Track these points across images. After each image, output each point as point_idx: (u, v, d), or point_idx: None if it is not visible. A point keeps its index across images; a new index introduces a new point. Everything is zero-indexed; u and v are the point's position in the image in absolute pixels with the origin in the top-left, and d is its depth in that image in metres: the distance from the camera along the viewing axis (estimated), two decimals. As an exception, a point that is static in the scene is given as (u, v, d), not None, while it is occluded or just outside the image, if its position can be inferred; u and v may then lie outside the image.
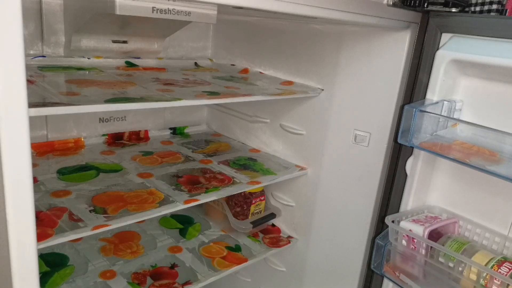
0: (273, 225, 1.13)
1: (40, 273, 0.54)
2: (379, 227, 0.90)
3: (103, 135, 1.09)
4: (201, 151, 1.09)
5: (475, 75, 0.77)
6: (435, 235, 0.72)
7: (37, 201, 0.71)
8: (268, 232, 1.10)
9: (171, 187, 0.84)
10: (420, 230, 0.70)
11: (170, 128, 1.22)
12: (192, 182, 0.88)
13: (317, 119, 0.97)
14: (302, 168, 1.02)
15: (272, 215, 1.10)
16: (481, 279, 0.61)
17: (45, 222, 0.66)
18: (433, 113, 0.71)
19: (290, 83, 1.01)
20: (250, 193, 1.05)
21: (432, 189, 0.85)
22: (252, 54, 1.11)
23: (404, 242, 0.72)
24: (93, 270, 0.87)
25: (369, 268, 0.89)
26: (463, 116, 0.78)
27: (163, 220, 1.10)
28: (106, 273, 0.86)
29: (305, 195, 1.03)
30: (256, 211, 1.07)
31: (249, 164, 1.03)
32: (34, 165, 0.56)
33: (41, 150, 0.98)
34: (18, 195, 0.50)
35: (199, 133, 1.26)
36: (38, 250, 0.55)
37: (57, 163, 0.92)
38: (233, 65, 1.17)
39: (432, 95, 0.78)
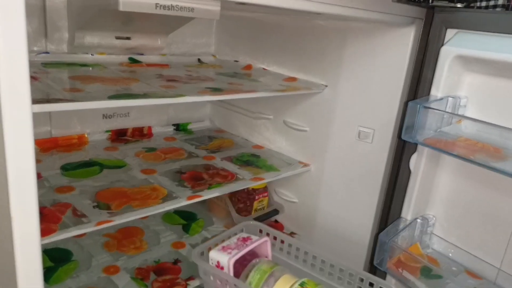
0: (276, 221, 1.13)
1: (44, 268, 0.55)
2: (382, 223, 0.90)
3: (107, 131, 1.09)
4: (204, 148, 1.09)
5: (480, 71, 0.76)
6: (246, 259, 0.67)
7: (41, 197, 0.71)
8: (271, 228, 1.10)
9: (174, 183, 0.84)
10: (225, 261, 0.64)
11: (174, 125, 1.22)
12: (195, 178, 0.88)
13: (321, 115, 0.97)
14: (305, 165, 1.01)
15: (275, 211, 1.10)
16: None
17: (49, 218, 0.67)
18: (437, 109, 0.71)
19: (293, 79, 1.00)
20: (253, 190, 1.05)
21: (436, 186, 0.84)
22: (256, 50, 1.11)
23: (211, 277, 0.65)
24: (96, 265, 0.87)
25: (372, 264, 0.89)
26: (467, 113, 0.77)
27: (166, 216, 1.10)
28: (109, 268, 0.86)
29: (308, 191, 1.03)
30: (259, 207, 1.08)
31: (252, 160, 1.03)
32: (37, 161, 0.56)
33: (44, 146, 0.98)
34: (22, 190, 0.51)
35: (202, 130, 1.26)
36: (42, 245, 0.55)
37: (61, 159, 0.92)
38: (237, 61, 1.16)
39: (437, 91, 0.77)
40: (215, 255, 0.68)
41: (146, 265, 0.88)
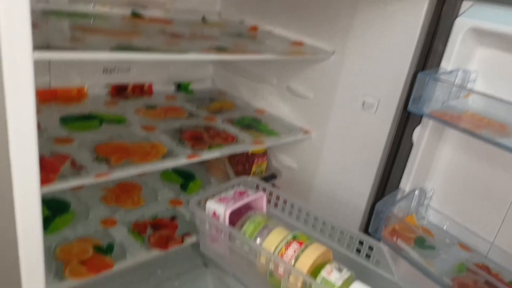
0: (273, 185, 1.13)
1: (42, 217, 0.55)
2: (379, 193, 0.91)
3: (107, 85, 1.07)
4: (205, 108, 1.08)
5: (493, 46, 0.74)
6: (241, 212, 0.69)
7: (40, 147, 0.70)
8: (268, 192, 1.11)
9: (174, 142, 0.84)
10: (221, 211, 0.66)
11: (175, 83, 1.20)
12: (196, 138, 0.88)
13: (326, 83, 0.95)
14: (306, 132, 1.01)
15: (273, 176, 1.11)
16: (270, 263, 0.61)
17: (47, 168, 0.66)
18: (446, 82, 0.70)
19: (300, 44, 0.98)
20: (253, 153, 1.05)
21: (437, 159, 0.85)
22: (262, 11, 1.08)
23: (207, 226, 0.68)
24: (94, 218, 0.88)
25: (366, 232, 0.91)
26: (476, 87, 0.76)
27: (165, 174, 1.10)
28: (107, 221, 0.87)
29: (307, 158, 1.03)
30: (257, 171, 1.08)
31: (253, 124, 1.02)
32: (37, 111, 0.55)
33: (43, 97, 0.97)
34: (22, 138, 0.50)
35: (204, 90, 1.24)
36: (41, 195, 0.55)
37: (60, 111, 0.91)
38: (242, 22, 1.13)
39: (447, 64, 0.76)
40: (212, 205, 0.69)
41: (143, 220, 0.89)
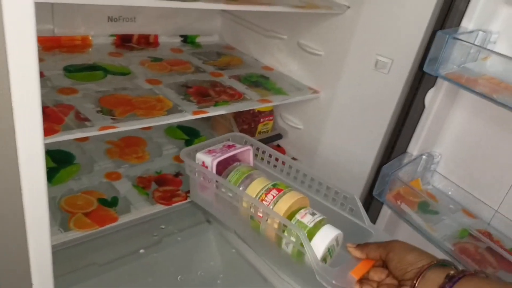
0: (278, 145, 1.13)
1: (46, 168, 0.54)
2: (386, 156, 0.90)
3: (111, 35, 1.04)
4: (212, 63, 1.05)
5: (519, 5, 0.70)
6: (229, 164, 0.74)
7: (43, 96, 0.69)
8: (273, 151, 1.10)
9: (180, 97, 0.82)
10: (209, 161, 0.71)
11: (181, 36, 1.17)
12: (202, 94, 0.86)
13: (338, 39, 0.92)
14: (315, 91, 0.98)
15: (279, 136, 1.10)
16: (251, 208, 0.66)
17: (51, 118, 0.65)
18: (466, 42, 0.66)
19: (313, -3, 0.93)
20: (259, 112, 1.04)
21: (448, 124, 0.83)
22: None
23: (196, 174, 0.73)
24: (99, 171, 0.88)
25: (370, 194, 0.91)
26: (496, 50, 0.73)
27: (169, 130, 1.09)
28: (111, 174, 0.87)
29: (314, 119, 1.01)
30: (263, 130, 1.06)
31: (261, 81, 0.99)
32: (40, 59, 0.53)
33: (47, 45, 0.94)
34: (24, 86, 0.48)
35: (211, 44, 1.21)
36: (45, 145, 0.54)
37: (64, 60, 0.89)
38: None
39: (468, 23, 0.72)
40: (201, 156, 0.73)
41: (147, 175, 0.89)
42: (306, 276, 0.59)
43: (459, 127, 0.82)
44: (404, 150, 0.85)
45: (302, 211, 0.64)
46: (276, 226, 0.63)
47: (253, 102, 0.88)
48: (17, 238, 0.56)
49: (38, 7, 0.45)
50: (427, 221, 0.76)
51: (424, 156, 0.83)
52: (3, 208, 0.54)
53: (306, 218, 0.62)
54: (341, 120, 0.95)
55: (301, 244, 0.59)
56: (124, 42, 1.06)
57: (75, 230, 0.71)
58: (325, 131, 0.99)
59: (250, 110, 1.02)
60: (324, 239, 0.60)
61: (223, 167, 0.73)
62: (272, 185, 0.68)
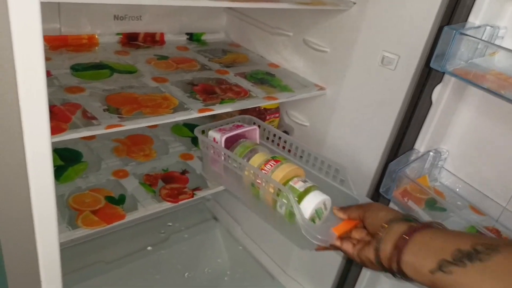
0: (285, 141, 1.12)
1: (54, 166, 0.55)
2: (393, 153, 0.89)
3: (118, 34, 1.04)
4: (217, 61, 1.05)
5: (527, 0, 0.69)
6: (236, 140, 0.84)
7: (50, 95, 0.70)
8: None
9: (186, 95, 0.82)
10: (219, 137, 0.81)
11: (187, 34, 1.17)
12: (207, 92, 0.86)
13: (344, 36, 0.91)
14: (321, 88, 0.98)
15: (285, 133, 1.09)
16: (252, 175, 0.75)
17: (59, 117, 0.66)
18: (474, 37, 0.66)
19: (319, -7, 0.93)
20: (265, 109, 1.03)
21: (455, 120, 0.82)
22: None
23: (211, 150, 0.83)
24: (106, 169, 0.88)
25: (377, 191, 0.90)
26: (504, 45, 0.72)
27: (175, 128, 1.10)
28: (118, 172, 0.88)
29: (321, 116, 1.01)
30: (269, 127, 1.06)
31: (266, 78, 0.99)
32: (47, 58, 0.53)
33: (54, 44, 0.95)
34: (31, 85, 0.49)
35: (217, 42, 1.21)
36: (52, 144, 0.54)
37: (71, 59, 0.89)
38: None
39: (475, 18, 0.71)
40: (212, 133, 0.83)
41: (154, 173, 0.90)
42: (297, 235, 0.66)
43: (466, 123, 0.81)
44: (411, 147, 0.85)
45: (295, 179, 0.72)
46: (271, 190, 0.71)
47: (259, 99, 0.88)
48: (25, 236, 0.57)
49: (45, 6, 0.46)
50: (434, 218, 0.75)
51: (431, 153, 0.83)
52: (12, 206, 0.54)
53: (298, 184, 0.70)
54: (347, 117, 0.95)
55: (291, 206, 0.67)
56: (130, 40, 1.06)
57: (83, 228, 0.71)
58: (331, 128, 0.99)
59: (256, 107, 1.01)
60: (312, 201, 0.68)
61: (231, 143, 0.83)
62: (272, 157, 0.76)
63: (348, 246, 0.63)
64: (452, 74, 0.68)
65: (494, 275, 0.45)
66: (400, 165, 0.78)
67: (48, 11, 0.93)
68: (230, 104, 0.82)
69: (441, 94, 0.78)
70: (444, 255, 0.49)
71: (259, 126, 0.90)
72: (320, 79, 0.99)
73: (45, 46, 0.48)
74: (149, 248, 1.22)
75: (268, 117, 1.04)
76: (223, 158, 0.80)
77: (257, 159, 0.76)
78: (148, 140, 1.02)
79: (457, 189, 0.83)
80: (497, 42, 0.72)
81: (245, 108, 0.86)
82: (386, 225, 0.57)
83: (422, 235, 0.53)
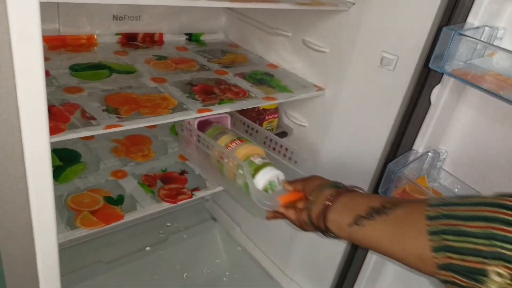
0: (283, 143, 1.12)
1: (53, 166, 0.55)
2: (391, 153, 0.89)
3: (117, 34, 1.04)
4: (217, 61, 1.05)
5: (525, 1, 0.69)
6: (207, 124, 0.91)
7: (49, 95, 0.69)
8: (278, 149, 1.10)
9: (185, 95, 0.82)
10: (192, 120, 0.88)
11: (186, 34, 1.17)
12: (206, 92, 0.86)
13: (343, 36, 0.91)
14: (320, 89, 0.98)
15: (284, 134, 1.09)
16: (217, 153, 0.83)
17: (57, 117, 0.66)
18: (473, 38, 0.66)
19: (318, -6, 0.93)
20: (264, 109, 1.03)
21: (454, 121, 0.82)
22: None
23: (186, 131, 0.90)
24: (104, 169, 0.88)
25: (376, 191, 0.90)
26: (503, 46, 0.72)
27: (174, 128, 1.09)
28: (117, 172, 0.88)
29: (320, 116, 1.01)
30: (268, 128, 1.06)
31: (265, 79, 0.99)
32: (46, 58, 0.53)
33: (53, 44, 0.95)
34: (30, 85, 0.49)
35: (216, 42, 1.21)
36: (51, 144, 0.54)
37: (70, 59, 0.89)
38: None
39: (474, 19, 0.71)
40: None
41: (153, 173, 0.90)
42: (251, 204, 0.75)
43: (465, 124, 0.81)
44: (410, 147, 0.85)
45: (256, 156, 0.80)
46: (231, 164, 0.79)
47: (258, 99, 0.88)
48: (24, 236, 0.56)
49: (44, 6, 0.46)
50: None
51: (430, 153, 0.83)
52: (10, 206, 0.54)
53: (257, 160, 0.79)
54: (347, 117, 0.95)
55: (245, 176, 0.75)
56: (129, 40, 1.06)
57: (82, 228, 0.71)
58: (330, 128, 0.99)
59: (255, 108, 1.02)
60: (266, 173, 0.76)
61: (204, 127, 0.89)
62: (237, 137, 0.84)
63: (291, 213, 0.71)
64: (451, 74, 0.68)
65: (394, 224, 0.54)
66: (399, 166, 0.78)
67: (47, 11, 0.92)
68: (229, 105, 0.82)
69: (439, 94, 0.78)
70: (359, 211, 0.58)
71: (231, 116, 0.96)
72: (319, 80, 0.99)
73: (44, 46, 0.48)
74: (147, 248, 1.21)
75: (267, 118, 1.04)
76: (195, 138, 0.88)
77: (224, 139, 0.84)
78: (147, 141, 1.02)
79: (456, 190, 0.83)
80: (495, 43, 0.72)
81: (244, 108, 0.86)
82: (317, 190, 0.67)
83: (344, 197, 0.62)
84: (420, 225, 0.50)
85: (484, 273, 0.43)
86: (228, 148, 0.82)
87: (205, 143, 0.86)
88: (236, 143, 0.82)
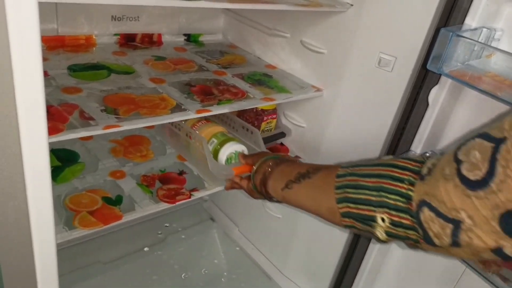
0: (282, 144, 1.13)
1: (51, 167, 0.55)
2: (390, 154, 0.89)
3: (115, 34, 1.04)
4: (215, 62, 1.05)
5: (523, 2, 0.70)
6: None
7: (47, 96, 0.69)
8: (277, 150, 1.10)
9: (183, 95, 0.82)
10: None
11: (185, 35, 1.17)
12: (205, 93, 0.86)
13: (341, 37, 0.91)
14: (318, 89, 0.98)
15: (282, 134, 1.09)
16: (185, 131, 0.92)
17: (56, 117, 0.66)
18: (470, 39, 0.66)
19: (316, -5, 0.93)
20: (262, 110, 1.04)
21: (452, 122, 0.82)
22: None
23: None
24: (103, 169, 0.88)
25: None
26: (500, 47, 0.72)
27: (173, 129, 1.09)
28: (116, 173, 0.88)
29: (318, 117, 1.01)
30: (266, 128, 1.06)
31: (264, 80, 1.00)
32: (44, 58, 0.53)
33: (51, 44, 0.94)
34: (28, 85, 0.49)
35: (214, 43, 1.21)
36: (50, 144, 0.54)
37: (68, 60, 0.89)
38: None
39: (471, 20, 0.71)
40: None
41: (151, 173, 0.90)
42: (210, 174, 0.85)
43: (463, 125, 0.81)
44: (407, 148, 0.85)
45: (223, 132, 0.91)
46: (198, 144, 0.88)
47: (256, 100, 0.88)
48: (22, 237, 0.56)
49: (42, 6, 0.46)
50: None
51: (427, 154, 0.83)
52: (8, 207, 0.54)
53: (222, 136, 0.88)
54: (345, 118, 0.95)
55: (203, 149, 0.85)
56: (127, 41, 1.06)
57: (80, 228, 0.71)
58: (329, 129, 0.99)
59: (253, 108, 1.02)
60: (228, 147, 0.85)
61: None
62: (205, 119, 0.92)
63: (244, 183, 0.79)
64: (449, 76, 0.69)
65: (314, 185, 0.62)
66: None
67: (45, 11, 0.92)
68: (227, 105, 0.82)
69: (437, 95, 0.78)
70: (290, 177, 0.66)
71: None
72: (317, 81, 1.00)
73: (42, 46, 0.48)
74: (146, 248, 1.21)
75: (265, 118, 1.04)
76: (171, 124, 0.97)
77: (192, 120, 0.92)
78: (146, 141, 1.02)
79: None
80: (493, 44, 0.72)
81: (242, 109, 0.86)
82: (261, 161, 0.75)
83: (281, 166, 0.71)
84: (331, 183, 0.58)
85: (373, 219, 0.52)
86: (195, 126, 0.91)
87: (177, 125, 0.95)
88: (202, 122, 0.92)
